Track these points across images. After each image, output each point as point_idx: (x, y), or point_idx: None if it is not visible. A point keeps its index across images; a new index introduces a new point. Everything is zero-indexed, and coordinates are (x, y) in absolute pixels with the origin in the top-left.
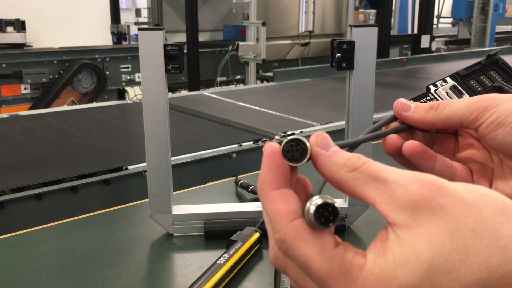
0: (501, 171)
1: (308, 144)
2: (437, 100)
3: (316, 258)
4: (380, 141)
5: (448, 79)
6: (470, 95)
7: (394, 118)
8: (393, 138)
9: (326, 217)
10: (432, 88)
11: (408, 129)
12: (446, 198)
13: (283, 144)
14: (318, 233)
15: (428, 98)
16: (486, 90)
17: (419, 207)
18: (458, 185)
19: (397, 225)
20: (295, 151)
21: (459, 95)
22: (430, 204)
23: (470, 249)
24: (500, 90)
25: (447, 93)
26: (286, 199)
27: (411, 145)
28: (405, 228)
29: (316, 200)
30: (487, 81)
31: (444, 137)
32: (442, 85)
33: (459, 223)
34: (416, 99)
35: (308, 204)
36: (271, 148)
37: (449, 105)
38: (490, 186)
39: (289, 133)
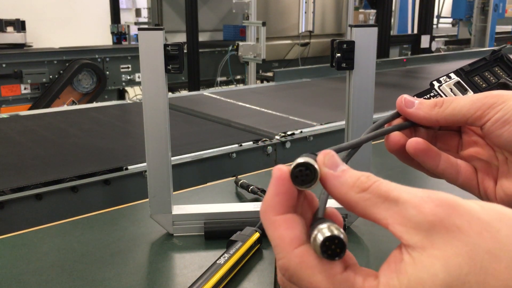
0: (506, 169)
1: (317, 167)
2: (441, 96)
3: (325, 285)
4: (382, 140)
5: (452, 75)
6: (474, 92)
7: (397, 115)
8: (396, 135)
9: (333, 249)
10: (436, 84)
11: (412, 126)
12: (461, 218)
13: (292, 168)
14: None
15: (432, 94)
16: (491, 86)
17: (434, 227)
18: (474, 204)
19: (411, 247)
20: (305, 175)
21: (463, 91)
22: (445, 224)
23: (488, 272)
24: (505, 86)
25: (451, 89)
26: (289, 224)
27: (414, 142)
28: (420, 250)
29: (323, 231)
30: (492, 78)
31: (447, 134)
32: (446, 81)
33: (476, 244)
34: (419, 95)
35: (315, 232)
36: (280, 172)
37: (454, 102)
38: (495, 184)
39: (289, 133)
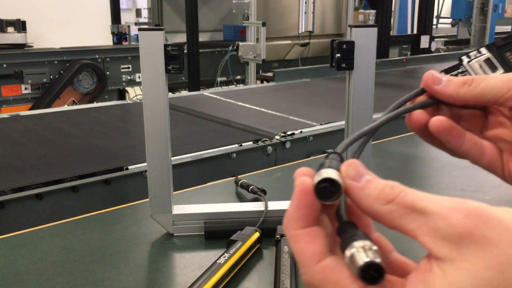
0: None
1: (340, 181)
2: (469, 73)
3: None
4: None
5: (483, 50)
6: (505, 69)
7: (421, 92)
8: (418, 113)
9: (371, 274)
10: (465, 60)
11: (436, 104)
12: (491, 229)
13: (315, 184)
14: (350, 271)
15: (460, 70)
16: None
17: (463, 240)
18: (504, 212)
19: (441, 259)
20: (329, 191)
21: (493, 69)
22: (474, 236)
23: None
24: None
25: (480, 66)
26: (311, 238)
27: (438, 121)
28: (449, 262)
29: (361, 254)
30: None
31: (472, 114)
32: (476, 57)
33: (507, 256)
34: (447, 71)
35: (352, 251)
36: (303, 185)
37: (484, 80)
38: None
39: (289, 133)
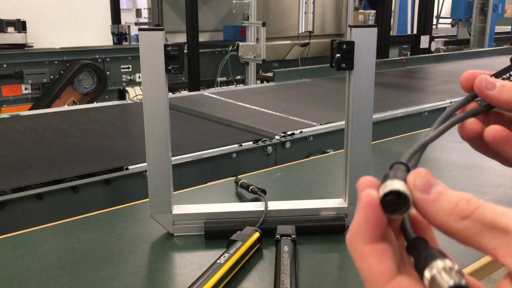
0: None
1: (408, 193)
2: None
3: None
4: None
5: None
6: None
7: (471, 98)
8: (472, 122)
9: None
10: None
11: (488, 110)
12: None
13: (381, 196)
14: None
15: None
16: None
17: None
18: None
19: None
20: (396, 204)
21: None
22: None
23: None
24: None
25: None
26: (379, 255)
27: (494, 130)
28: None
29: (444, 277)
30: None
31: None
32: None
33: None
34: (497, 75)
35: (433, 272)
36: (369, 198)
37: None
38: None
39: (289, 133)
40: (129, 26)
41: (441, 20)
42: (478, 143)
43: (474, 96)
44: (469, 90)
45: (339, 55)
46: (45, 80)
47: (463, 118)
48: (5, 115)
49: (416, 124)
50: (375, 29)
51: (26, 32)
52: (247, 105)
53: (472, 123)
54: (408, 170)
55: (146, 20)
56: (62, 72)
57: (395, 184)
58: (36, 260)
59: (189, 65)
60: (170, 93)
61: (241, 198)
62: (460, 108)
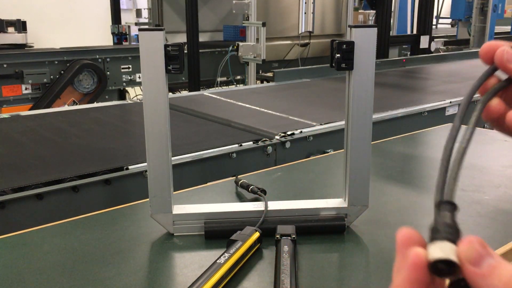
0: None
1: (459, 263)
2: None
3: None
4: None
5: None
6: None
7: (492, 71)
8: (496, 103)
9: None
10: None
11: (509, 84)
12: None
13: (430, 262)
14: None
15: None
16: None
17: None
18: None
19: None
20: (445, 271)
21: None
22: None
23: None
24: None
25: None
26: None
27: None
28: None
29: None
30: None
31: None
32: None
33: None
34: None
35: None
36: (417, 259)
37: None
38: None
39: (289, 133)
40: (129, 26)
41: (441, 20)
42: (502, 124)
43: (495, 69)
44: (490, 63)
45: (339, 55)
46: (45, 80)
47: (486, 100)
48: (5, 115)
49: (416, 124)
50: (375, 29)
51: (26, 32)
52: (247, 105)
53: (496, 105)
54: (455, 208)
55: (146, 20)
56: (62, 72)
57: (446, 251)
58: (36, 260)
59: (189, 65)
60: (170, 93)
61: (241, 198)
62: (481, 84)
